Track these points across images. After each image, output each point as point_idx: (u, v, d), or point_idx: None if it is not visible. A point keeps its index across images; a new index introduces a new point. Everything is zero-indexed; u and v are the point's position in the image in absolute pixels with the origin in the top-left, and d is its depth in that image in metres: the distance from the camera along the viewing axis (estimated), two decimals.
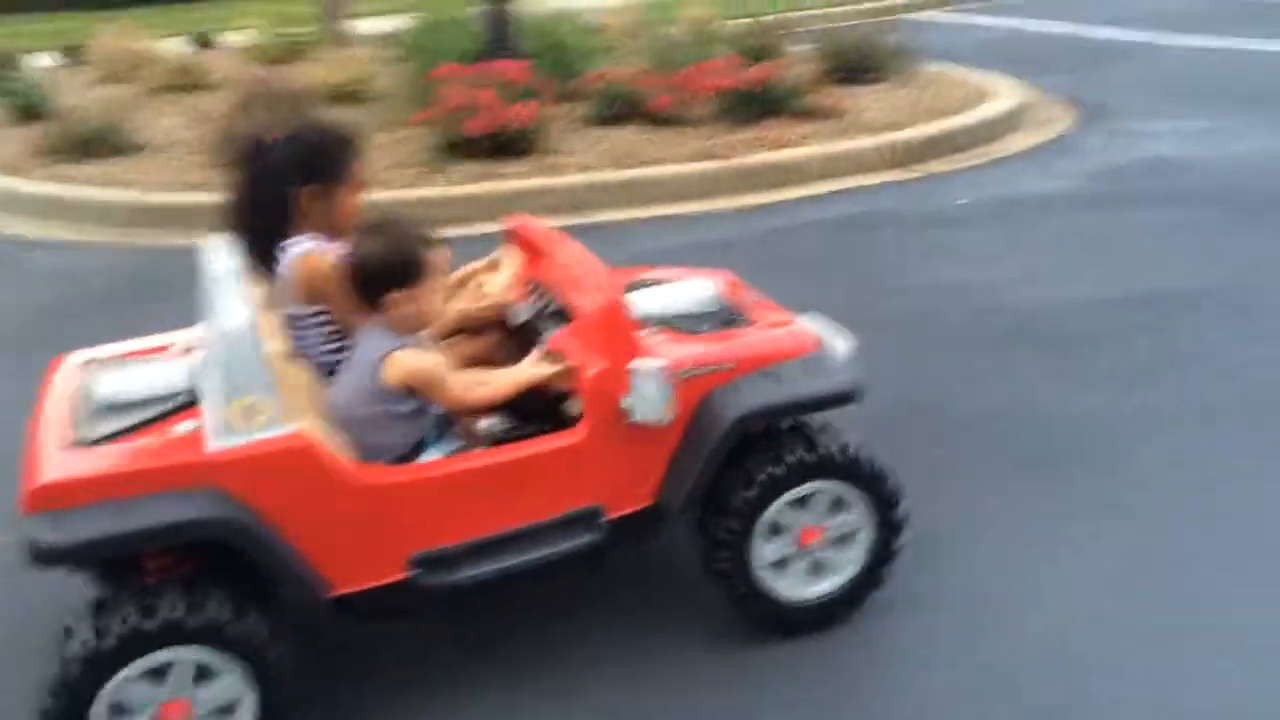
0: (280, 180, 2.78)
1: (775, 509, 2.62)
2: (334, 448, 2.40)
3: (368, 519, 2.40)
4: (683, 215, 6.38)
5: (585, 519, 2.56)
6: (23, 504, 2.22)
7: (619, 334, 2.52)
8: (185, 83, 9.79)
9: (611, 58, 8.55)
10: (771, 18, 13.87)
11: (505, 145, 6.74)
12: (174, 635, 2.21)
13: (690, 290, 2.94)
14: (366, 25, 12.72)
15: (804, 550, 2.69)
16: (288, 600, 2.42)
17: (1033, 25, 13.06)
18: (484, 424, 2.88)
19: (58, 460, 2.31)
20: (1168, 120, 8.00)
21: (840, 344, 2.79)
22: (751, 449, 2.63)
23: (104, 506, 2.22)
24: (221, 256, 2.61)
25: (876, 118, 7.60)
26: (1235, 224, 5.66)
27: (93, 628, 2.20)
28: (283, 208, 2.79)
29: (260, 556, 2.30)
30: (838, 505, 2.69)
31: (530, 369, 2.65)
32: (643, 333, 2.66)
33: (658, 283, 3.07)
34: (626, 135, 7.26)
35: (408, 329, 2.57)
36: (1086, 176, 6.70)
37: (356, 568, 2.43)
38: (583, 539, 2.55)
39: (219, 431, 2.29)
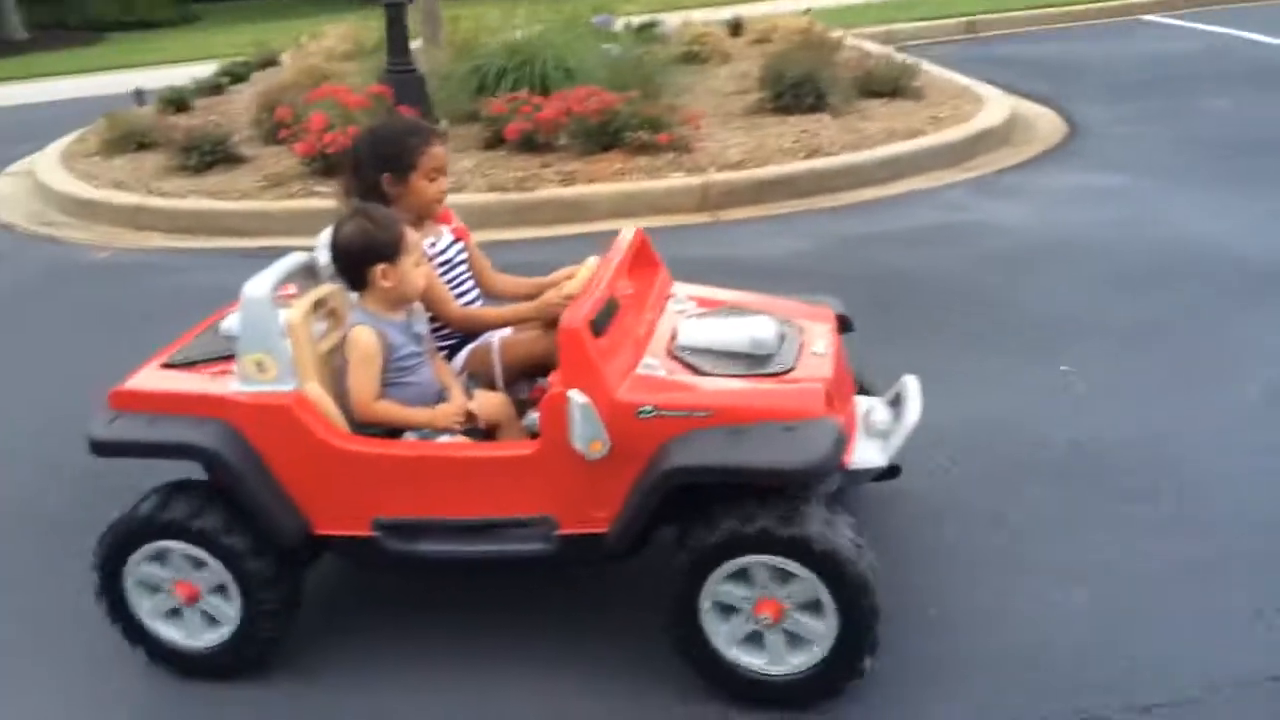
0: (366, 171, 3.14)
1: (715, 586, 2.56)
2: (328, 411, 2.78)
3: (342, 477, 2.74)
4: None
5: (537, 527, 2.69)
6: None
7: (574, 359, 2.56)
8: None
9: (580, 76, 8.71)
10: (962, 20, 13.04)
11: (327, 169, 7.31)
12: (176, 531, 2.76)
13: (745, 327, 2.80)
14: None
15: (766, 622, 2.56)
16: (270, 529, 2.76)
17: (1254, 38, 11.12)
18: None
19: (145, 373, 2.98)
20: (1107, 175, 6.95)
21: (910, 415, 2.79)
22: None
23: (140, 417, 2.83)
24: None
25: (732, 155, 7.32)
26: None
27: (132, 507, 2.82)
28: (375, 196, 3.09)
29: (242, 488, 2.72)
30: (787, 578, 2.53)
31: (434, 414, 2.86)
32: (653, 363, 2.70)
33: (744, 311, 2.99)
34: (476, 161, 7.53)
35: (391, 304, 2.88)
36: (840, 242, 6.12)
37: (331, 516, 2.79)
38: (533, 545, 2.69)
39: (238, 377, 2.78)
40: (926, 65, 10.25)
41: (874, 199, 6.90)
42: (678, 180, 7.01)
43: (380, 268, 2.81)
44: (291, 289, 3.00)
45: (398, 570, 3.07)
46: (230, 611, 2.83)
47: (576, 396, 2.51)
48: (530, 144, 7.57)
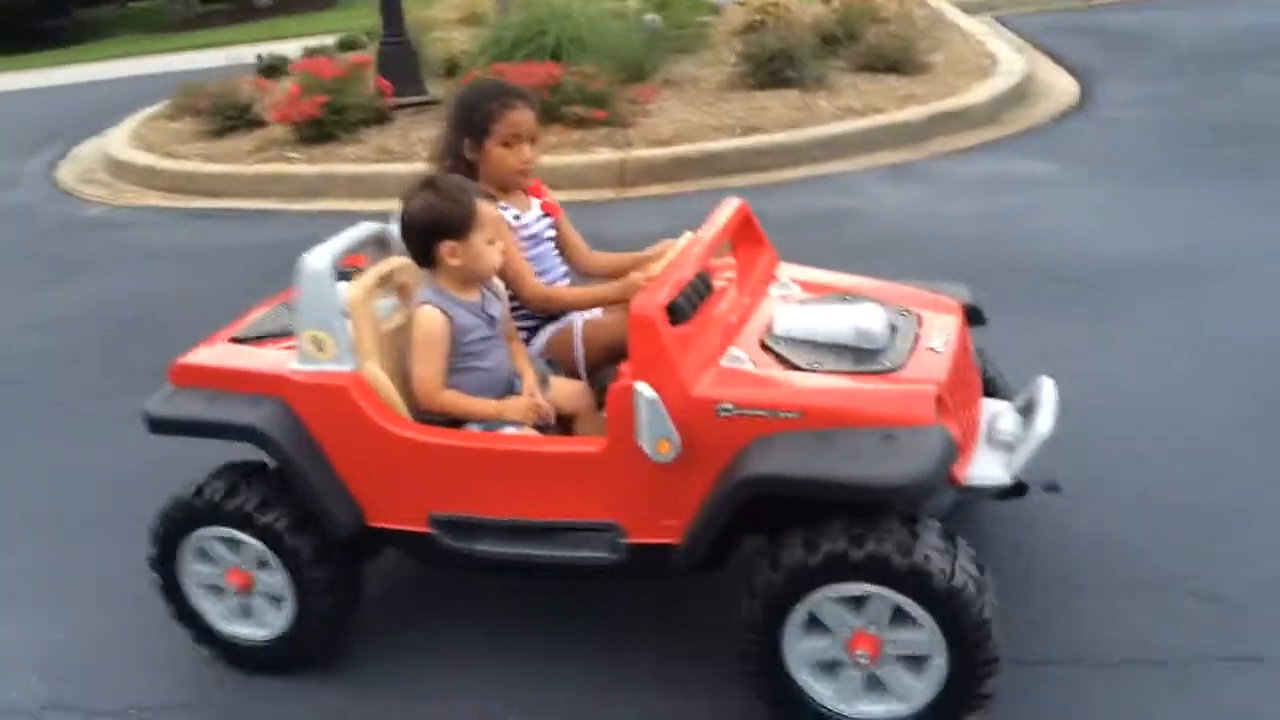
0: (450, 134, 3.01)
1: (816, 601, 2.21)
2: (387, 395, 2.57)
3: (398, 467, 2.54)
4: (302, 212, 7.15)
5: (603, 534, 2.43)
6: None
7: (645, 348, 2.28)
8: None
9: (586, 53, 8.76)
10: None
11: (309, 136, 7.81)
12: (234, 519, 2.60)
13: (850, 316, 2.47)
14: None
15: (855, 660, 2.23)
16: (323, 518, 2.58)
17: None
18: None
19: (210, 348, 2.84)
20: (1045, 163, 6.49)
21: (1041, 425, 2.42)
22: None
23: (199, 393, 2.70)
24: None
25: (668, 131, 7.25)
26: None
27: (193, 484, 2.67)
28: (459, 161, 2.97)
29: (295, 473, 2.54)
30: (902, 617, 2.18)
31: (503, 406, 2.64)
32: (740, 355, 2.40)
33: (853, 298, 2.67)
34: (430, 132, 7.76)
35: (462, 283, 2.66)
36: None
37: (386, 508, 2.59)
38: (599, 553, 2.43)
39: (296, 355, 2.60)
40: (981, 36, 9.73)
41: (785, 180, 6.71)
42: (600, 155, 7.04)
43: (448, 244, 2.58)
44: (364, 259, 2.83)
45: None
46: (282, 605, 2.68)
47: (644, 390, 2.23)
48: None
